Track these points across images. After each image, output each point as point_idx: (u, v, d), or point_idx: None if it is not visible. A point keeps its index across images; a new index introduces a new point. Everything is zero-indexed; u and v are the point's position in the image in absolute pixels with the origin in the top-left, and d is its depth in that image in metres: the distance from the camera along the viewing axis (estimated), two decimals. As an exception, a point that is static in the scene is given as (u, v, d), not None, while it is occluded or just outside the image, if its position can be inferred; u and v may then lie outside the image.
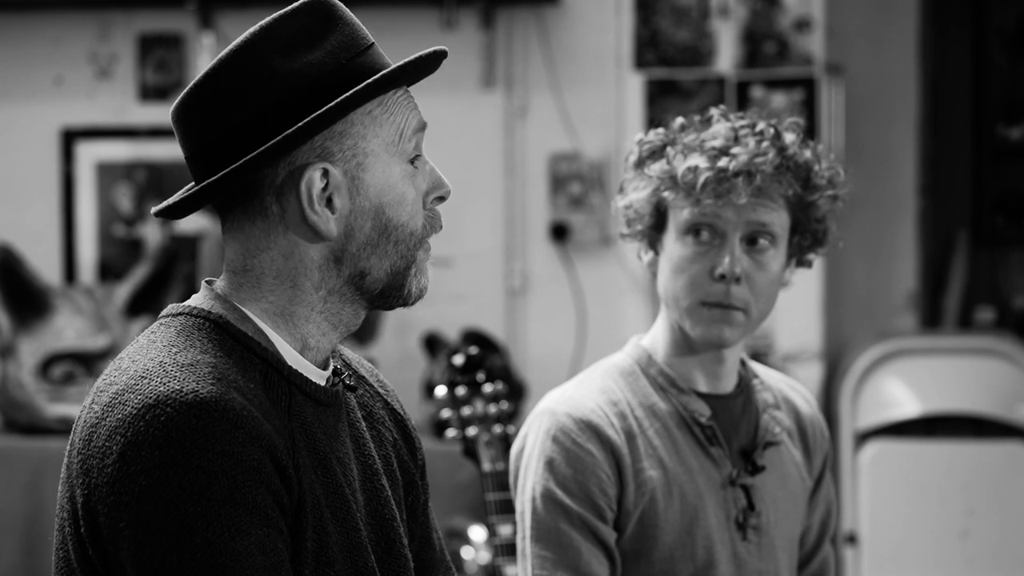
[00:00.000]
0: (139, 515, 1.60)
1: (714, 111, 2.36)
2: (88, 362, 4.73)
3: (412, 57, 1.74)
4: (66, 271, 5.21)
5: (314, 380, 1.77)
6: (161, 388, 1.63)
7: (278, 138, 1.69)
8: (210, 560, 1.59)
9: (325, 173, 1.72)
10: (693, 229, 2.29)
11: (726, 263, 2.27)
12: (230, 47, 1.73)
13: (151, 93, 5.17)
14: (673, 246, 2.31)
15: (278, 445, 1.66)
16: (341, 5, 1.77)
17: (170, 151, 5.17)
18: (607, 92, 5.06)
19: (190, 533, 1.59)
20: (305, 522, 1.69)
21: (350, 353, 1.94)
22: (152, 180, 5.19)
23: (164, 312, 1.78)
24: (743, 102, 4.88)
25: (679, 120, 2.36)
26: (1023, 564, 4.90)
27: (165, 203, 1.79)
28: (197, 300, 1.77)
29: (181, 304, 1.78)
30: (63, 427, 4.66)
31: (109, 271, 5.18)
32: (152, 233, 5.19)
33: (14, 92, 5.20)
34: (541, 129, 5.07)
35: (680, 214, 2.29)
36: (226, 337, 1.72)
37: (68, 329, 4.72)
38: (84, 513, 1.65)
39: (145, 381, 1.65)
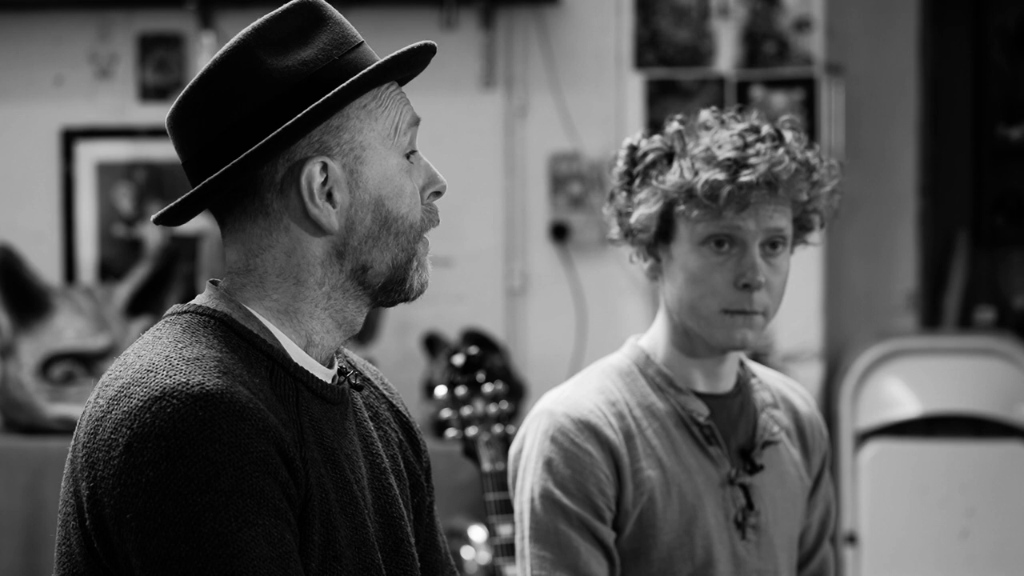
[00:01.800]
0: (146, 506, 1.61)
1: (705, 114, 2.35)
2: (88, 362, 4.72)
3: (403, 49, 1.77)
4: (66, 271, 5.21)
5: (320, 377, 1.79)
6: (167, 381, 1.64)
7: (277, 131, 1.70)
8: (217, 550, 1.60)
9: (324, 167, 1.74)
10: (712, 240, 2.28)
11: (751, 273, 2.27)
12: (221, 50, 1.75)
13: (151, 93, 5.17)
14: (688, 256, 2.29)
15: (285, 437, 1.67)
16: (329, 5, 1.79)
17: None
18: (607, 92, 5.05)
19: (197, 523, 1.60)
20: (312, 515, 1.70)
21: (355, 356, 1.95)
22: (152, 180, 5.19)
23: (168, 311, 1.80)
24: (743, 102, 4.88)
25: (675, 126, 2.34)
26: (1023, 564, 4.89)
27: (164, 208, 1.80)
28: (202, 299, 1.79)
29: (185, 303, 1.80)
30: (63, 427, 4.66)
31: (109, 271, 5.18)
32: (152, 233, 5.19)
33: (14, 92, 5.20)
34: (541, 129, 5.07)
35: (696, 226, 2.27)
36: (231, 334, 1.74)
37: (68, 329, 4.72)
38: (90, 506, 1.66)
39: (151, 375, 1.66)
